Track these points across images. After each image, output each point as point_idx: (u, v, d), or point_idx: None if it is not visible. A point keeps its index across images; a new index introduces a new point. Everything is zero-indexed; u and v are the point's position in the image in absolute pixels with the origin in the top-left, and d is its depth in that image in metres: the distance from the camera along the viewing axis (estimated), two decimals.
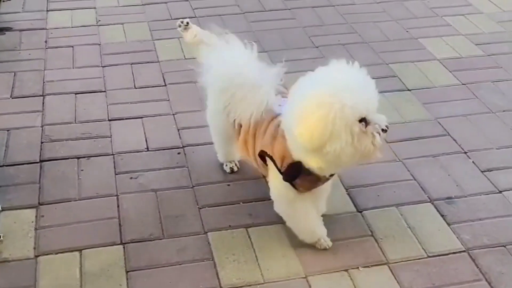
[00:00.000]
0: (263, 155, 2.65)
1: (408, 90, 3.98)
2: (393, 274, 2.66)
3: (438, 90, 4.00)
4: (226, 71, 2.73)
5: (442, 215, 2.97)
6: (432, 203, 3.05)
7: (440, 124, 3.64)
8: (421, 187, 3.15)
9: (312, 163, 2.45)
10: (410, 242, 2.82)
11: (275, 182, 2.65)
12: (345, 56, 4.08)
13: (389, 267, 2.69)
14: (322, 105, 2.27)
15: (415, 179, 3.20)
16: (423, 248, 2.79)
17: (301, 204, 2.66)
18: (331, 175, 2.61)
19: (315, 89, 2.37)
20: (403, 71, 4.18)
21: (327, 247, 2.74)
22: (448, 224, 2.92)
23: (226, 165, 3.21)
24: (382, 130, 2.35)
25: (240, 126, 2.75)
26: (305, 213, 2.69)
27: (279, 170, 2.57)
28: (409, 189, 3.14)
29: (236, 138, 2.84)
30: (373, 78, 2.43)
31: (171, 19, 4.85)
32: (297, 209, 2.68)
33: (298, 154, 2.47)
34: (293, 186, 2.59)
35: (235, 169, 3.20)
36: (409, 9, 5.06)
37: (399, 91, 3.97)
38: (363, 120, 2.32)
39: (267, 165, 2.68)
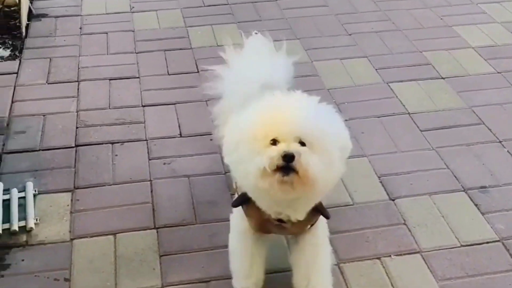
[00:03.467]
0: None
1: (442, 78, 3.94)
2: (425, 262, 2.65)
3: (472, 78, 3.95)
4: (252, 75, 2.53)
5: (475, 204, 2.95)
6: (466, 192, 3.03)
7: (474, 112, 3.60)
8: (455, 176, 3.12)
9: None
10: (443, 231, 2.81)
11: (234, 211, 2.43)
12: (378, 43, 4.08)
13: (421, 255, 2.68)
14: (242, 117, 2.14)
15: (448, 168, 3.18)
16: (456, 237, 2.77)
17: (249, 240, 2.36)
18: (282, 221, 2.23)
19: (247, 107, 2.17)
20: (437, 59, 4.14)
21: None
22: (482, 214, 2.90)
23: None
24: (281, 156, 1.98)
25: None
26: (245, 252, 2.38)
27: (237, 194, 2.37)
28: (443, 177, 3.12)
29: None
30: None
31: (204, 6, 4.87)
32: (242, 242, 2.39)
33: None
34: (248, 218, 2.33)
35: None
36: None
37: (432, 79, 3.94)
38: (274, 143, 2.02)
39: None
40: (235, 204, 2.34)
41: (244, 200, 2.27)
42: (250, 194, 2.20)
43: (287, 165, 1.98)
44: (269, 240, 2.43)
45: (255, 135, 2.04)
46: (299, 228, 2.31)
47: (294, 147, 1.99)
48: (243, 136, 2.07)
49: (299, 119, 2.04)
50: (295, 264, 2.40)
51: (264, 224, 2.29)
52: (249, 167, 2.03)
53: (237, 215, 2.39)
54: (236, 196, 2.40)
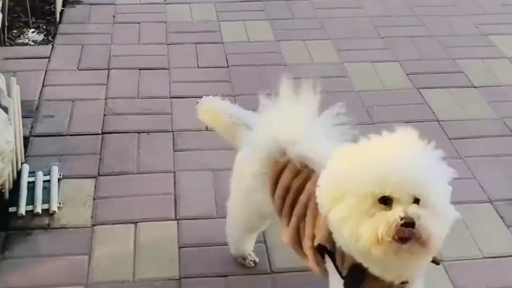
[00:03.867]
0: (321, 249, 2.00)
1: (474, 87, 3.89)
2: (446, 272, 2.61)
3: (505, 89, 3.90)
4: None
5: (501, 217, 2.91)
6: (492, 204, 2.98)
7: (505, 123, 3.55)
8: (481, 187, 3.08)
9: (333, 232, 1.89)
10: (466, 242, 2.77)
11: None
12: (411, 48, 4.04)
13: (443, 265, 2.64)
14: (345, 169, 1.84)
15: (475, 178, 3.13)
16: (479, 249, 2.73)
17: None
18: (404, 282, 1.92)
19: (347, 155, 1.88)
20: (470, 67, 4.08)
21: None
22: (507, 226, 2.85)
23: (245, 260, 2.60)
24: (400, 224, 1.70)
25: (290, 209, 2.14)
26: None
27: (339, 273, 1.97)
28: (469, 187, 3.07)
29: (285, 223, 2.17)
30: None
31: (237, 1, 4.87)
32: None
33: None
34: None
35: (257, 260, 2.63)
36: (481, 5, 4.94)
37: (464, 87, 3.89)
38: (386, 203, 1.75)
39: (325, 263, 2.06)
40: (352, 286, 1.94)
41: (359, 278, 1.91)
42: (358, 258, 1.88)
43: (408, 233, 1.71)
44: None
45: (364, 189, 1.75)
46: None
47: (413, 210, 1.72)
48: (349, 188, 1.79)
49: (415, 174, 1.75)
50: None
51: None
52: (359, 230, 1.75)
53: None
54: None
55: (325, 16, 4.71)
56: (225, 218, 2.82)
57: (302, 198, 2.09)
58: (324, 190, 1.87)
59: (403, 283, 1.92)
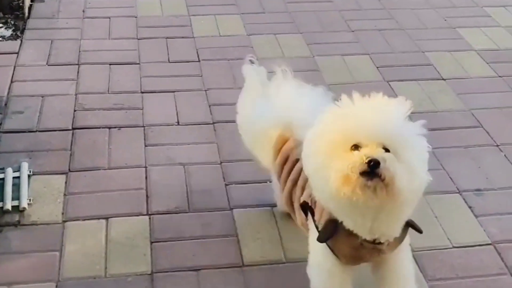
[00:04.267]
0: (305, 207, 2.22)
1: (443, 79, 3.94)
2: (417, 262, 2.64)
3: (473, 81, 3.95)
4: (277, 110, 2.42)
5: (469, 207, 2.95)
6: (460, 194, 3.02)
7: (473, 115, 3.60)
8: (450, 178, 3.12)
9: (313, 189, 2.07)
10: (435, 232, 2.80)
11: (314, 246, 2.20)
12: (380, 41, 4.07)
13: (413, 255, 2.67)
14: (321, 126, 1.99)
15: (444, 169, 3.17)
16: (448, 239, 2.77)
17: (335, 280, 2.18)
18: (379, 243, 2.05)
19: (324, 117, 2.02)
20: (439, 60, 4.13)
21: None
22: (476, 216, 2.89)
23: None
24: (365, 162, 1.83)
25: (287, 175, 2.36)
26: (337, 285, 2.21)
27: (316, 227, 2.15)
28: (438, 178, 3.08)
29: (282, 188, 2.41)
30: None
31: None
32: (327, 284, 2.21)
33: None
34: (334, 253, 2.14)
35: None
36: None
37: (433, 79, 3.93)
38: (356, 147, 1.89)
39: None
40: (324, 238, 2.10)
41: (331, 231, 2.06)
42: (332, 209, 2.03)
43: (371, 171, 1.83)
44: (354, 272, 2.24)
45: (335, 140, 1.90)
46: (392, 248, 2.12)
47: (379, 153, 1.85)
48: (322, 142, 1.94)
49: (384, 123, 1.89)
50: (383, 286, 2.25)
51: (357, 253, 2.09)
52: (329, 173, 1.89)
53: (319, 253, 2.17)
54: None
55: (296, 10, 4.72)
56: (197, 212, 2.85)
57: (298, 166, 2.29)
58: (305, 149, 2.03)
59: (377, 243, 2.03)
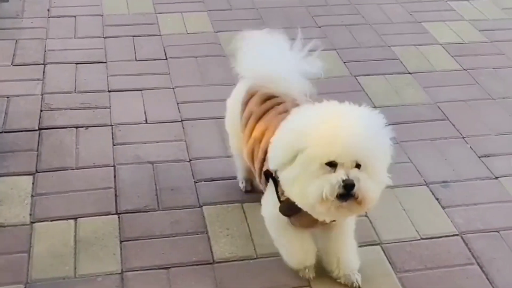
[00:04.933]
0: (266, 175, 2.36)
1: (409, 73, 3.98)
2: (385, 254, 2.67)
3: (439, 74, 4.00)
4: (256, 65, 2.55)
5: (437, 199, 2.99)
6: (428, 186, 3.06)
7: (439, 108, 3.64)
8: (417, 170, 3.16)
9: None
10: (404, 224, 2.83)
11: (269, 203, 2.38)
12: (347, 37, 4.10)
13: (381, 247, 2.71)
14: (294, 133, 2.11)
15: (411, 162, 3.21)
16: (416, 230, 2.80)
17: (291, 231, 2.39)
18: (331, 221, 2.29)
19: (298, 118, 2.18)
20: (405, 54, 4.17)
21: (308, 278, 2.51)
22: (443, 208, 2.93)
23: (243, 183, 2.93)
24: (342, 186, 2.00)
25: (250, 131, 2.49)
26: (292, 241, 2.44)
27: (278, 198, 2.30)
28: (406, 171, 3.15)
29: (245, 141, 2.52)
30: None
31: None
32: (285, 235, 2.43)
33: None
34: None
35: (249, 188, 2.93)
36: None
37: (400, 74, 3.97)
38: (332, 166, 2.04)
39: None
40: (286, 214, 2.29)
41: (294, 210, 2.24)
42: (303, 207, 2.18)
43: (347, 193, 2.02)
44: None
45: (313, 154, 2.03)
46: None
47: (354, 174, 2.01)
48: (300, 153, 2.05)
49: (357, 143, 2.03)
50: (328, 245, 2.48)
51: (310, 225, 2.32)
52: (307, 189, 2.04)
53: (274, 211, 2.33)
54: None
55: (263, 6, 4.73)
56: (166, 210, 2.85)
57: (261, 124, 2.42)
58: (276, 151, 2.16)
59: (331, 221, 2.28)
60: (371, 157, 2.06)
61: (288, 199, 2.22)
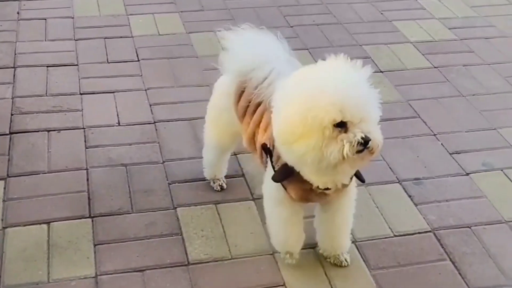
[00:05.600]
0: (264, 148, 2.44)
1: (381, 71, 4.01)
2: (359, 252, 2.69)
3: (410, 72, 4.03)
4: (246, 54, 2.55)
5: (409, 196, 3.01)
6: (400, 184, 3.09)
7: (411, 106, 3.68)
8: (390, 168, 3.18)
9: (285, 158, 2.27)
10: (377, 222, 2.86)
11: (268, 181, 2.43)
12: (319, 36, 4.11)
13: (355, 245, 2.72)
14: (301, 103, 2.11)
15: (384, 160, 3.23)
16: (390, 228, 2.83)
17: (286, 210, 2.46)
18: (326, 189, 2.31)
19: (299, 86, 2.17)
20: (376, 53, 4.20)
21: (289, 263, 2.59)
22: (415, 205, 2.96)
23: (215, 183, 2.97)
24: (360, 143, 2.09)
25: (250, 117, 2.53)
26: (285, 221, 2.50)
27: (273, 167, 2.38)
28: (378, 169, 3.17)
29: (245, 129, 2.56)
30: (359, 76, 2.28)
31: None
32: (280, 213, 2.48)
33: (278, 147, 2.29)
34: (285, 189, 2.40)
35: (224, 186, 2.97)
36: None
37: (371, 72, 3.98)
38: (342, 125, 2.09)
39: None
40: (278, 179, 2.36)
41: (287, 174, 2.32)
42: (302, 170, 2.26)
43: (364, 148, 2.12)
44: (304, 207, 2.53)
45: (322, 120, 2.07)
46: (339, 193, 2.41)
47: (366, 129, 2.11)
48: (309, 124, 2.08)
49: (362, 101, 2.13)
50: (322, 223, 2.58)
51: (306, 195, 2.37)
52: (325, 153, 2.10)
53: (272, 186, 2.41)
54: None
55: (235, 6, 4.73)
56: (140, 212, 2.84)
57: (260, 108, 2.46)
58: (285, 125, 2.15)
59: (326, 189, 2.31)
60: (371, 110, 2.17)
61: (283, 165, 2.30)
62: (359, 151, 2.11)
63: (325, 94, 2.07)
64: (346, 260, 2.61)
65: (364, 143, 2.10)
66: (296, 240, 2.56)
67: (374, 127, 2.15)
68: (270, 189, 2.46)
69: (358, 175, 2.42)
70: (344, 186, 2.36)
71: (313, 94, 2.10)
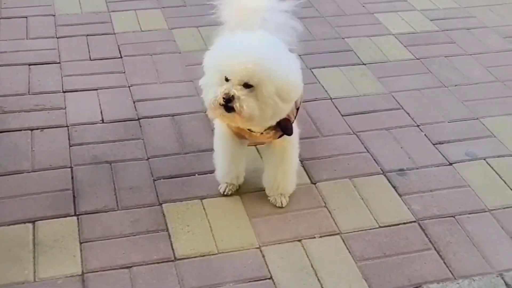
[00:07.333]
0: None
1: (363, 64, 4.02)
2: (345, 244, 2.71)
3: (392, 64, 4.05)
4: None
5: (394, 187, 3.03)
6: (385, 175, 3.11)
7: (394, 98, 3.69)
8: (374, 159, 3.20)
9: None
10: (362, 213, 2.87)
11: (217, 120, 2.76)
12: (300, 30, 4.09)
13: (341, 237, 2.74)
14: (214, 57, 2.51)
15: (368, 152, 3.25)
16: (375, 219, 2.84)
17: (229, 145, 2.78)
18: (251, 130, 2.65)
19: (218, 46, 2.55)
20: (359, 46, 4.21)
21: (222, 193, 2.89)
22: (400, 195, 2.98)
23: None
24: (223, 98, 2.38)
25: None
26: (228, 155, 2.82)
27: None
28: (363, 161, 3.19)
29: None
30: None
31: None
32: (224, 147, 2.81)
33: None
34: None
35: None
36: None
37: (354, 65, 4.01)
38: (227, 81, 2.41)
39: None
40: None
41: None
42: None
43: (226, 104, 2.39)
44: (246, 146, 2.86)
45: (215, 68, 2.44)
46: (268, 138, 2.69)
47: (236, 91, 2.37)
48: (209, 66, 2.49)
49: (246, 63, 2.34)
50: (266, 165, 2.87)
51: (239, 130, 2.68)
52: (205, 95, 2.50)
53: (218, 123, 2.75)
54: None
55: (217, 2, 4.71)
56: (126, 209, 2.83)
57: None
58: (204, 62, 2.56)
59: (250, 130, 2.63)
60: (259, 79, 2.36)
61: None
62: (225, 107, 2.39)
63: (224, 54, 2.43)
64: (282, 203, 2.84)
65: (225, 99, 2.37)
66: (234, 173, 2.86)
67: (260, 99, 2.38)
68: (217, 124, 2.79)
69: (283, 129, 2.62)
70: (271, 133, 2.64)
71: (223, 43, 2.51)
